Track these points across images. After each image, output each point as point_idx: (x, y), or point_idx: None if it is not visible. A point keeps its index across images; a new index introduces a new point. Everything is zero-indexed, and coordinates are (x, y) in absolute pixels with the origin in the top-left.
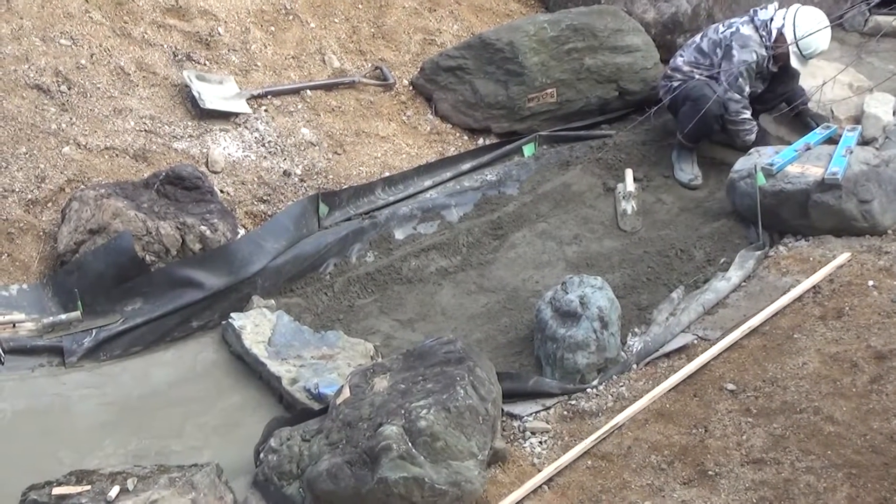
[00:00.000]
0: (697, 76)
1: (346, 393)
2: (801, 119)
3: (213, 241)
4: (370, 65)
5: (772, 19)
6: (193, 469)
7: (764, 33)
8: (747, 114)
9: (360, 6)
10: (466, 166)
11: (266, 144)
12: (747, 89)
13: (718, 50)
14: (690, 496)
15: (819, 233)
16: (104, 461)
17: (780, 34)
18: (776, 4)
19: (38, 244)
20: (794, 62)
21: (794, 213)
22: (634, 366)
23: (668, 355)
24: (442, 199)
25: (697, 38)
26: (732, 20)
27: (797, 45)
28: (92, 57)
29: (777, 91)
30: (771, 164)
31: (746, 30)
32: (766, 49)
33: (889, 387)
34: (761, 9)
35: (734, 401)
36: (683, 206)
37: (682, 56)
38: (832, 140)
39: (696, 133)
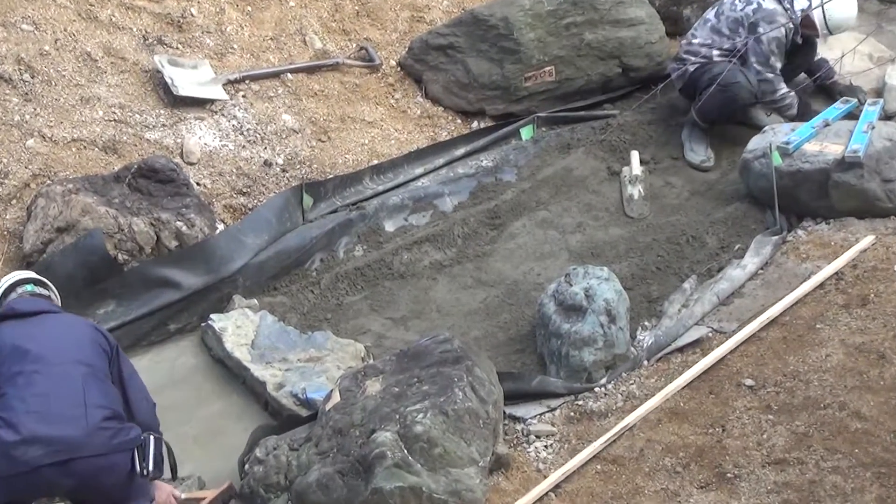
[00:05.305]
0: (717, 57)
1: (336, 398)
2: (830, 94)
3: (190, 237)
4: (355, 45)
5: None
6: (174, 483)
7: (787, 4)
8: (784, 87)
9: None
10: (460, 152)
11: (245, 132)
12: (779, 65)
13: (741, 29)
14: (708, 500)
15: (840, 215)
16: None
17: (808, 16)
18: None
19: (2, 244)
20: (821, 39)
21: (813, 194)
22: (645, 362)
23: (681, 350)
24: (434, 188)
25: (710, 15)
26: None
27: (826, 28)
28: (56, 43)
29: (795, 62)
30: (787, 143)
31: (769, 3)
32: (791, 20)
33: None
34: None
35: (753, 397)
36: (694, 190)
37: (695, 37)
38: (852, 115)
39: (718, 117)
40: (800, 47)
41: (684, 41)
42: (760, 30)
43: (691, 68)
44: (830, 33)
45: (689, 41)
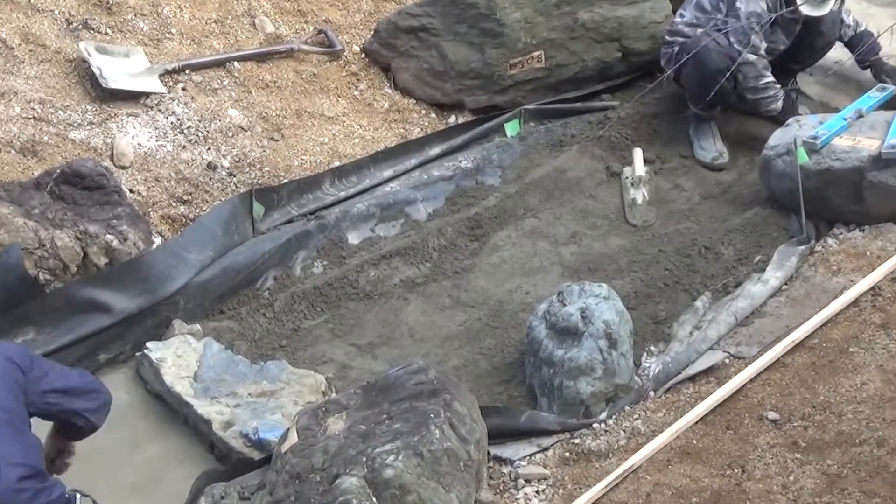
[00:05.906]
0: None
1: (293, 438)
2: (876, 73)
3: (123, 252)
4: (312, 28)
5: None
6: None
7: None
8: (769, 76)
9: None
10: (435, 151)
11: (185, 131)
12: (763, 46)
13: (722, 4)
14: None
15: (877, 220)
16: None
17: None
18: None
19: None
20: (805, 8)
21: (845, 196)
22: (651, 393)
23: (693, 379)
24: (405, 193)
25: None
26: None
27: None
28: None
29: (816, 45)
30: (815, 138)
31: None
32: None
33: None
34: None
35: (777, 433)
36: (707, 193)
37: (681, 16)
38: (889, 105)
39: (706, 94)
40: (813, 25)
41: (670, 23)
42: (737, 3)
43: (677, 50)
44: None
45: (675, 22)
